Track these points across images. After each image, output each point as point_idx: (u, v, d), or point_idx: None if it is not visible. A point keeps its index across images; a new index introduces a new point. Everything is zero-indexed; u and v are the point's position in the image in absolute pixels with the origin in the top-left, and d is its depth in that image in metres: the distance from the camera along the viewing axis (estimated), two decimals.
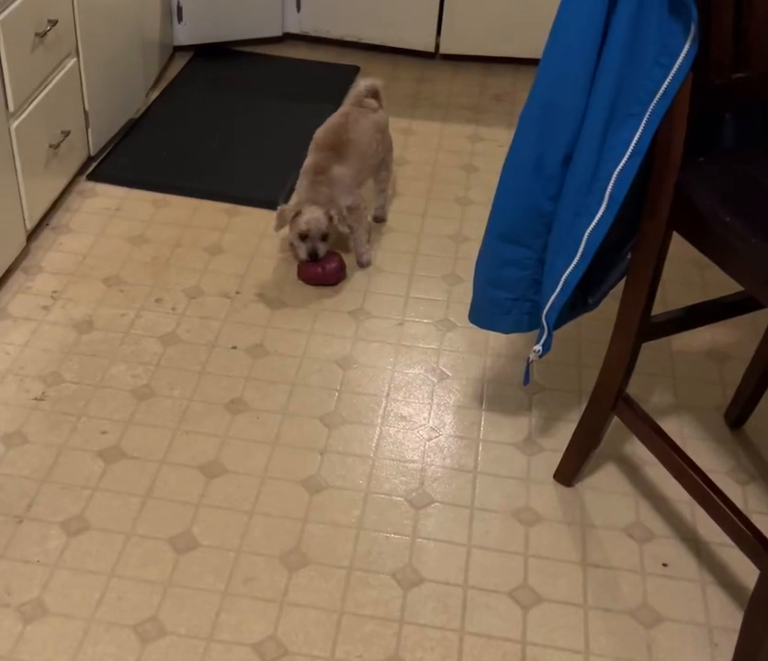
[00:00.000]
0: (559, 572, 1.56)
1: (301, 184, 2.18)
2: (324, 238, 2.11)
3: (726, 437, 1.82)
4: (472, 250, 2.29)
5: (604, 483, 1.72)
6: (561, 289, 1.43)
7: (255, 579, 1.52)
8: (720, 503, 1.37)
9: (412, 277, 2.21)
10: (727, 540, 1.58)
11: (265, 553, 1.56)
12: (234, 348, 1.98)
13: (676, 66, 1.23)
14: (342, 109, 2.33)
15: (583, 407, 1.86)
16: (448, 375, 1.94)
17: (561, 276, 1.42)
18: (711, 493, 1.40)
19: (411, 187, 2.54)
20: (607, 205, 1.34)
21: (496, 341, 2.02)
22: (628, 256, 1.48)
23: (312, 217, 2.08)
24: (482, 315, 1.64)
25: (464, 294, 2.15)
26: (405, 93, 3.01)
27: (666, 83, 1.25)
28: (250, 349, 1.98)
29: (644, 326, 1.48)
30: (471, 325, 1.73)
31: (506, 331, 1.64)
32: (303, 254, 2.11)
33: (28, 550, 1.54)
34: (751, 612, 1.35)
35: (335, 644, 1.43)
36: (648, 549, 1.60)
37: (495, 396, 1.90)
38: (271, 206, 2.42)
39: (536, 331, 1.58)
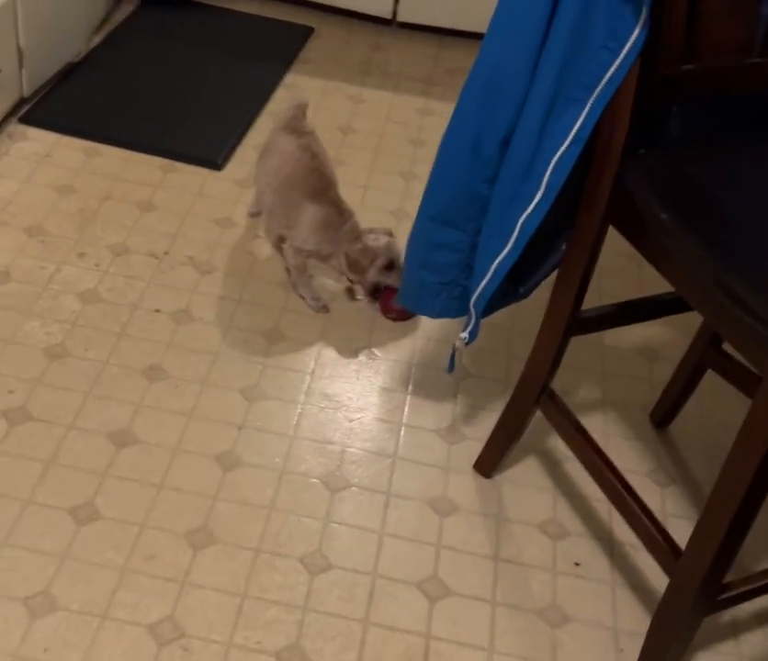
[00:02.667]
0: (470, 565, 1.53)
1: (336, 234, 1.93)
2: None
3: (649, 437, 1.81)
4: None
5: (523, 476, 1.70)
6: (492, 277, 1.39)
7: (157, 557, 1.47)
8: (635, 506, 1.35)
9: None
10: (640, 542, 1.58)
11: (170, 529, 1.51)
12: (158, 311, 1.92)
13: (624, 52, 1.19)
14: (294, 141, 1.99)
15: (509, 396, 1.85)
16: (377, 356, 1.90)
17: (492, 263, 1.38)
18: (626, 495, 1.37)
19: (355, 158, 2.48)
20: (544, 192, 1.30)
21: (428, 323, 1.98)
22: (563, 247, 1.44)
23: (390, 242, 1.94)
24: (411, 297, 1.60)
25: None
26: (358, 59, 2.95)
27: (612, 69, 1.21)
28: (174, 314, 1.92)
29: (573, 320, 1.45)
30: (404, 305, 1.69)
31: (434, 316, 1.59)
32: (396, 281, 1.88)
33: None
34: (657, 620, 1.33)
35: (235, 629, 1.39)
36: (561, 547, 1.58)
37: (422, 380, 1.86)
38: (209, 164, 2.35)
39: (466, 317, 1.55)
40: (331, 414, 1.76)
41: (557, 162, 1.28)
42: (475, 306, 1.43)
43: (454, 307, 1.54)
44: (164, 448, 1.64)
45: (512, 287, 1.50)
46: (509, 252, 1.36)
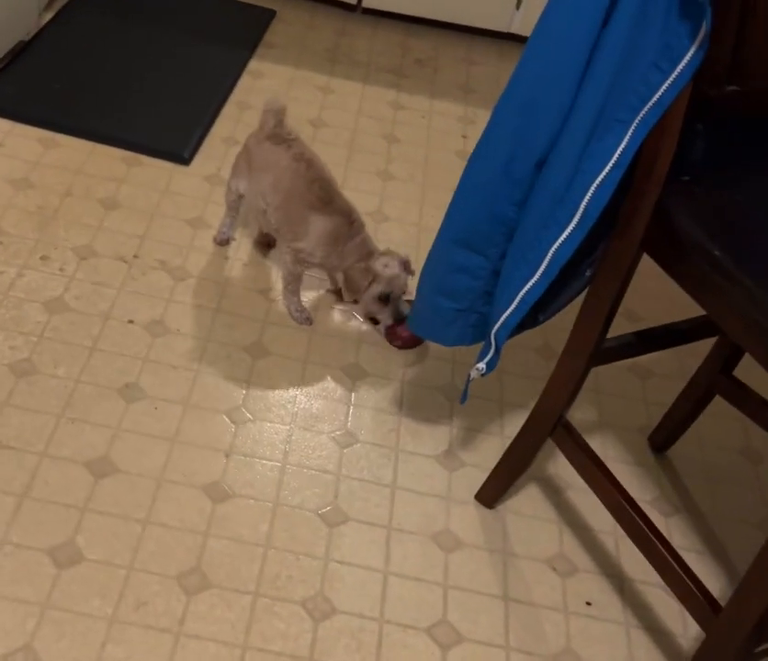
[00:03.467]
0: (481, 607, 1.45)
1: (344, 248, 1.79)
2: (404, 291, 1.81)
3: (649, 462, 1.75)
4: (393, 230, 2.15)
5: (526, 506, 1.62)
6: (517, 306, 1.30)
7: (149, 604, 1.35)
8: (666, 555, 1.29)
9: None
10: (651, 578, 1.52)
11: (160, 572, 1.39)
12: (131, 322, 1.78)
13: (676, 72, 1.11)
14: (285, 152, 1.84)
15: (505, 418, 1.78)
16: (367, 372, 1.80)
17: (518, 293, 1.29)
18: (656, 541, 1.31)
19: (329, 154, 2.35)
20: (580, 219, 1.22)
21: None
22: (587, 273, 1.36)
23: (396, 277, 1.78)
24: (423, 324, 1.50)
25: None
26: (324, 45, 2.82)
27: (662, 90, 1.12)
28: (149, 325, 1.78)
29: (598, 349, 1.37)
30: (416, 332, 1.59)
31: (447, 344, 1.50)
32: (389, 319, 1.80)
33: None
34: None
35: None
36: (571, 585, 1.51)
37: (415, 399, 1.77)
38: (175, 158, 2.21)
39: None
40: (323, 439, 1.65)
41: (596, 189, 1.19)
42: (496, 336, 1.34)
43: (469, 334, 1.45)
44: (148, 478, 1.52)
45: (531, 315, 1.41)
46: (537, 280, 1.27)
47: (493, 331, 1.34)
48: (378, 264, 1.78)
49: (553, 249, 1.25)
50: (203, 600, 1.37)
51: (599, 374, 1.91)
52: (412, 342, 1.85)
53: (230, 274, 1.94)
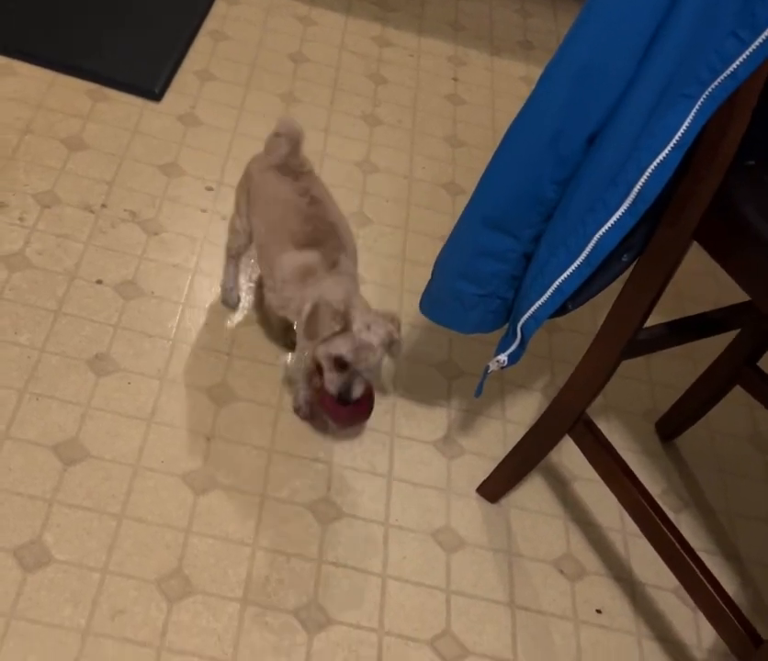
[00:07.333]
0: (486, 615, 1.34)
1: (313, 283, 1.41)
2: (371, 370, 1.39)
3: (657, 451, 1.66)
4: (382, 183, 2.00)
5: (530, 500, 1.51)
6: (550, 297, 1.17)
7: (126, 613, 1.21)
8: (700, 576, 1.19)
9: None
10: (663, 582, 1.44)
11: (138, 575, 1.25)
12: (100, 282, 1.61)
13: (757, 42, 0.96)
14: (290, 184, 1.49)
15: (506, 399, 1.66)
16: None
17: (553, 282, 1.16)
18: (688, 560, 1.21)
19: (312, 93, 2.19)
20: (632, 203, 1.08)
21: (410, 306, 1.75)
22: (624, 258, 1.23)
23: (368, 342, 1.33)
24: (440, 309, 1.35)
25: (374, 241, 1.86)
26: None
27: (738, 61, 0.98)
28: (119, 286, 1.62)
29: (632, 342, 1.25)
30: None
31: (465, 331, 1.35)
32: (334, 389, 1.36)
33: None
34: None
35: None
36: (580, 590, 1.41)
37: (410, 377, 1.64)
38: (145, 93, 2.02)
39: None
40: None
41: (654, 171, 1.06)
42: (524, 328, 1.21)
43: (489, 320, 1.31)
44: (122, 464, 1.37)
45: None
46: (577, 268, 1.14)
47: (520, 323, 1.21)
48: (358, 317, 1.34)
49: (598, 235, 1.11)
50: (186, 608, 1.24)
51: None
52: (351, 421, 1.47)
53: (208, 229, 1.78)
